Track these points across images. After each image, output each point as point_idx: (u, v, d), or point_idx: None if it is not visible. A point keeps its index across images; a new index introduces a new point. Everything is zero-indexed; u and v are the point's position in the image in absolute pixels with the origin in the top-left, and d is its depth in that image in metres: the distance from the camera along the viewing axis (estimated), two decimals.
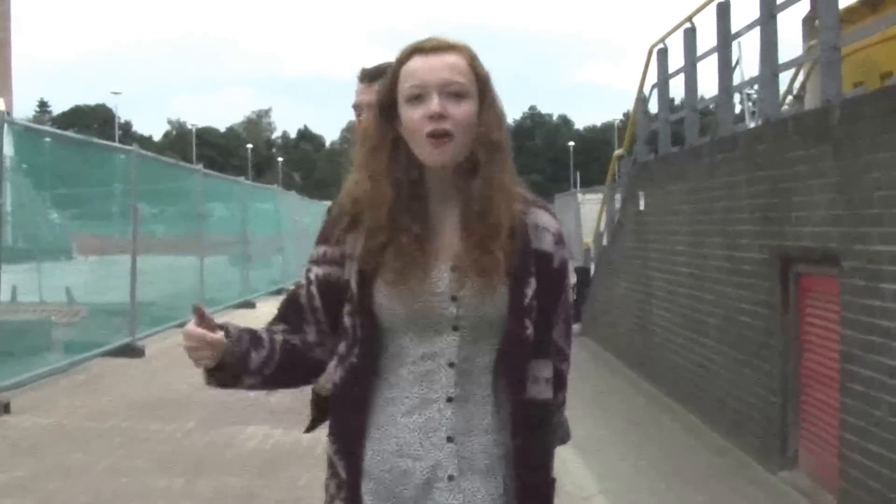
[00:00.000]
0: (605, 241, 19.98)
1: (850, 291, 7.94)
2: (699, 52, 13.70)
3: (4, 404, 11.82)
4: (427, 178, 3.05)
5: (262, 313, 26.28)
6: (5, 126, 12.89)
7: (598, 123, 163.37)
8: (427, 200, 3.07)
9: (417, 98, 2.97)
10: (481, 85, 3.03)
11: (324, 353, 3.18)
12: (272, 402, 12.20)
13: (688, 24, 13.91)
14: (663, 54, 15.74)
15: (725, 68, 12.25)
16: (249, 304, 27.15)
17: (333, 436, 3.11)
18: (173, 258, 22.66)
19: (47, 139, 16.51)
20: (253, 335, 3.08)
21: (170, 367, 15.81)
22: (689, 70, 14.04)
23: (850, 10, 9.80)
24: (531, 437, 3.04)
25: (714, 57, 12.64)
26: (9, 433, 10.86)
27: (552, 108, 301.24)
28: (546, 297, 3.08)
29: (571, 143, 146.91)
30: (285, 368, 3.12)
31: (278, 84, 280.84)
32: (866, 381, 7.61)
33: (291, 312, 3.18)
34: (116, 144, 20.73)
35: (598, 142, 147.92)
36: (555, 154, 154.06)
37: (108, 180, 18.28)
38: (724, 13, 12.23)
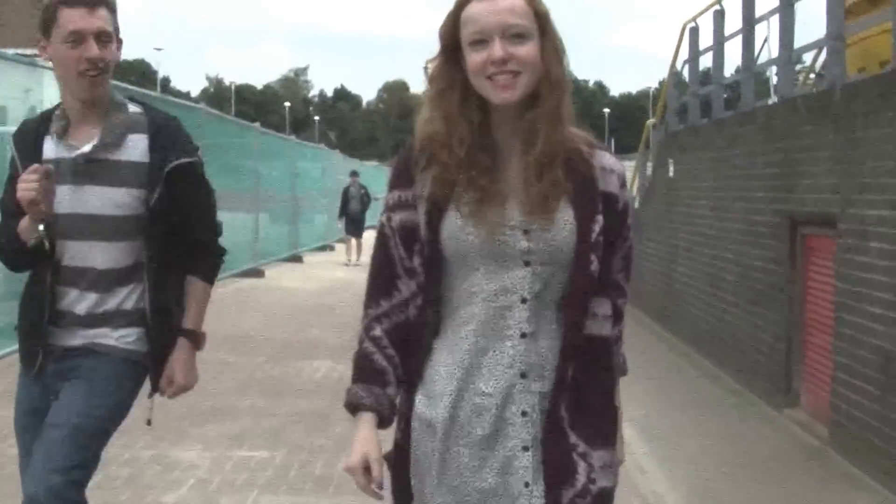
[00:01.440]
0: (636, 205, 21.16)
1: (843, 249, 9.22)
2: (727, 33, 14.94)
3: None
4: (493, 118, 3.11)
5: (309, 265, 27.62)
6: None
7: (634, 91, 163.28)
8: (495, 138, 3.12)
9: (480, 42, 3.02)
10: (541, 22, 3.07)
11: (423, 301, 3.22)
12: (332, 342, 13.59)
13: (717, 6, 15.13)
14: (695, 32, 16.95)
15: (748, 49, 13.50)
16: (297, 259, 28.46)
17: (404, 369, 3.17)
18: (230, 213, 23.90)
19: None
20: (376, 374, 3.14)
21: (234, 309, 17.30)
22: (717, 49, 15.28)
23: (854, 3, 11.02)
24: (590, 370, 3.11)
25: (741, 36, 13.90)
26: None
27: (588, 73, 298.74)
28: (611, 236, 3.15)
29: (607, 110, 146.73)
30: (407, 352, 3.18)
31: (317, 41, 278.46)
32: (854, 326, 8.90)
33: (383, 270, 3.21)
34: (186, 102, 22.02)
35: (633, 108, 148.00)
36: (591, 121, 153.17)
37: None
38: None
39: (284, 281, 23.17)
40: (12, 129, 11.76)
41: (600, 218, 3.08)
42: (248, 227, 24.51)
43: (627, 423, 8.98)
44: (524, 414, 3.03)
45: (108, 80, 4.34)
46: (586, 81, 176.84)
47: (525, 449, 3.03)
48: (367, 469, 3.01)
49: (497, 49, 2.98)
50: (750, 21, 13.49)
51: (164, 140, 4.41)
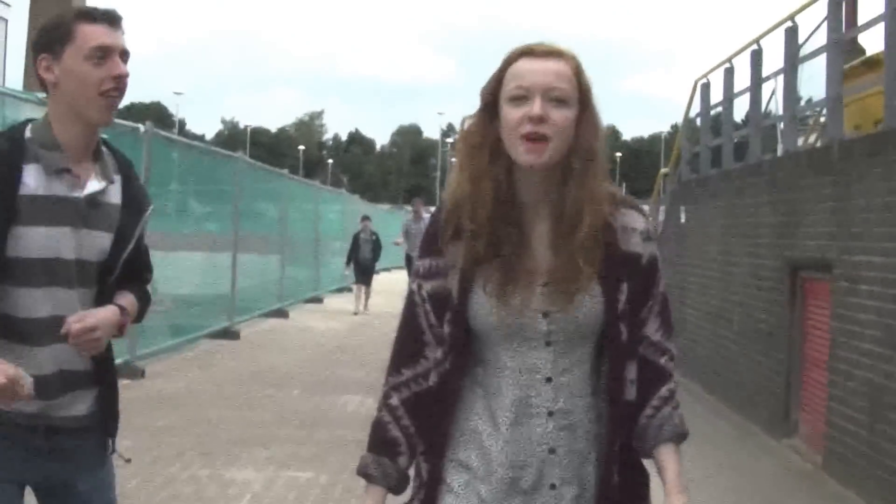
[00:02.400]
0: None
1: (837, 292, 10.13)
2: (736, 89, 15.89)
3: (141, 370, 14.10)
4: (519, 185, 3.10)
5: (330, 306, 28.42)
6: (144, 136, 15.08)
7: (646, 135, 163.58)
8: (521, 207, 3.11)
9: (520, 99, 3.01)
10: (583, 94, 3.07)
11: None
12: (358, 378, 14.49)
13: (727, 65, 16.09)
14: (706, 88, 17.92)
15: (755, 106, 14.46)
16: (318, 300, 29.30)
17: (423, 438, 3.18)
18: (260, 256, 24.74)
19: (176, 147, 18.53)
20: (388, 445, 3.17)
21: (264, 347, 18.26)
22: (727, 104, 16.24)
23: (852, 68, 11.96)
24: (622, 435, 3.10)
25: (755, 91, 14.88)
26: (149, 392, 13.06)
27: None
28: (637, 296, 3.14)
29: (619, 155, 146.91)
30: (423, 422, 3.19)
31: (332, 85, 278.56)
32: (846, 361, 9.79)
33: (411, 339, 3.21)
34: (227, 152, 23.00)
35: (645, 153, 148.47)
36: None
37: (218, 182, 20.79)
38: (756, 59, 14.43)
39: (308, 321, 23.94)
40: None
41: (625, 286, 3.10)
42: (274, 270, 25.42)
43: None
44: (553, 487, 3.06)
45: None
46: None
47: None
48: None
49: (536, 107, 2.98)
50: (757, 79, 14.47)
51: (136, 183, 4.07)
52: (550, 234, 3.09)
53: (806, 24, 12.88)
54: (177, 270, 18.19)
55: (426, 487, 3.16)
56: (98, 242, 3.83)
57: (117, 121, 15.81)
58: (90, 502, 3.97)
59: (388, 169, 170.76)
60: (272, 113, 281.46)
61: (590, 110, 3.09)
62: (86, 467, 3.92)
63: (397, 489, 3.17)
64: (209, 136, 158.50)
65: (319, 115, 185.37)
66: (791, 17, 12.82)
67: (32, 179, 3.73)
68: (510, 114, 3.02)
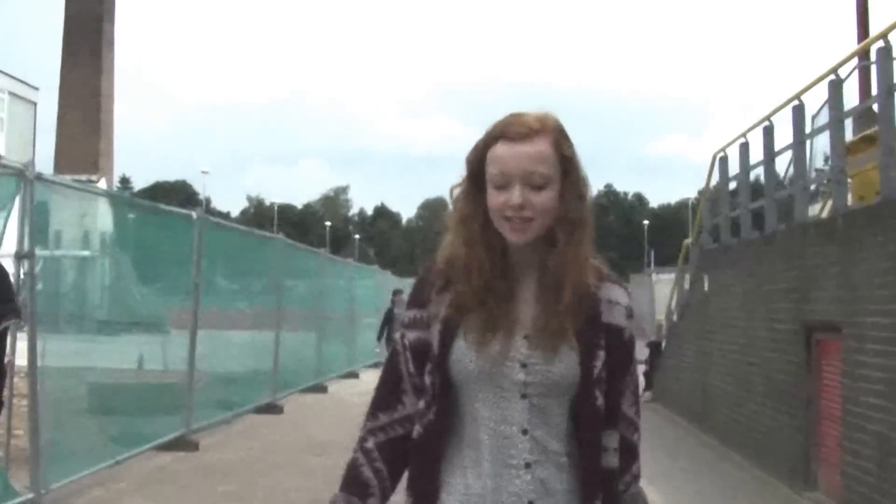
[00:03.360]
0: (675, 318, 22.91)
1: (847, 351, 10.95)
2: (752, 162, 16.79)
3: (195, 443, 14.99)
4: (510, 248, 3.18)
5: (365, 380, 29.26)
6: (196, 223, 16.01)
7: (673, 202, 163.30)
8: (510, 266, 3.19)
9: (500, 186, 3.08)
10: (565, 165, 3.12)
11: None
12: None
13: (742, 140, 17.01)
14: (724, 161, 18.83)
15: (769, 178, 15.38)
16: (353, 375, 30.07)
17: (410, 489, 3.23)
18: (301, 333, 25.55)
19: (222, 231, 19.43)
20: (360, 486, 3.24)
21: (306, 420, 19.11)
22: (743, 176, 17.16)
23: (854, 143, 12.85)
24: (598, 499, 3.14)
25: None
26: (206, 463, 13.93)
27: (627, 184, 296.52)
28: (616, 368, 3.19)
29: (646, 222, 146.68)
30: (396, 468, 3.26)
31: (356, 160, 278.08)
32: (856, 415, 10.60)
33: (390, 386, 3.29)
34: (267, 234, 24.03)
35: (672, 220, 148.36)
36: (630, 232, 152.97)
37: (259, 262, 21.67)
38: (769, 134, 15.35)
39: (345, 395, 24.72)
40: (68, 252, 13.23)
41: (602, 353, 3.13)
42: (311, 346, 26.19)
43: None
44: None
45: None
46: (626, 193, 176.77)
47: None
48: None
49: (516, 196, 3.06)
50: (770, 154, 15.38)
51: None
52: (536, 290, 3.17)
53: (816, 99, 13.83)
54: (225, 347, 19.08)
55: None
56: None
57: (170, 208, 16.84)
58: None
59: (415, 242, 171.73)
60: (296, 187, 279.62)
61: (572, 178, 3.15)
62: None
63: None
64: (234, 213, 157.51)
65: (345, 189, 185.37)
66: (797, 96, 13.77)
67: None
68: (493, 197, 3.11)
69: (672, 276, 23.86)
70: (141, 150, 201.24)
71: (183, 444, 14.73)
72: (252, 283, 22.16)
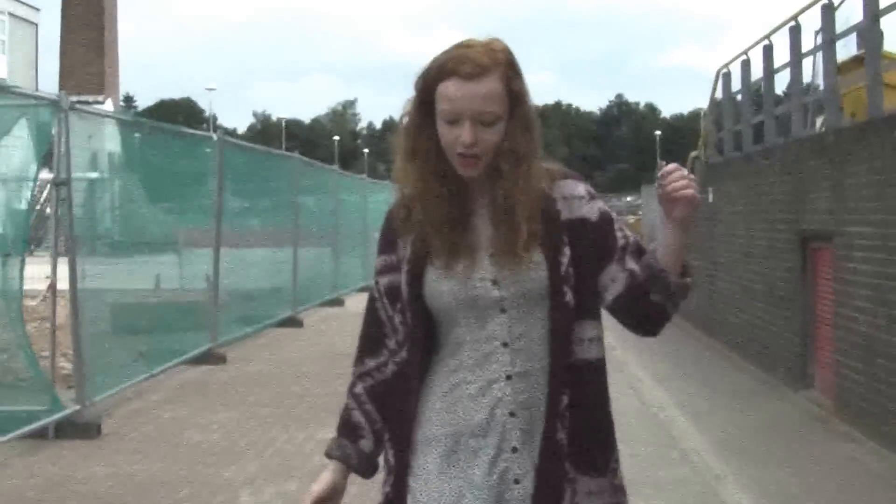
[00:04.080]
0: None
1: (837, 258, 11.68)
2: (752, 79, 17.44)
3: (223, 356, 15.83)
4: (462, 179, 3.19)
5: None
6: (216, 144, 16.70)
7: (685, 112, 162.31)
8: (465, 191, 3.20)
9: (451, 122, 3.09)
10: (513, 100, 3.13)
11: None
12: None
13: (744, 57, 17.64)
14: (727, 76, 19.47)
15: (769, 95, 16.03)
16: (366, 289, 30.73)
17: (387, 424, 3.31)
18: (311, 249, 25.88)
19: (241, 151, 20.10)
20: (351, 429, 3.33)
21: (326, 332, 19.92)
22: (745, 92, 17.84)
23: (845, 63, 13.46)
24: (582, 397, 3.17)
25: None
26: (235, 375, 14.79)
27: (639, 94, 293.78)
28: (590, 255, 3.20)
29: (658, 133, 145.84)
30: (386, 409, 3.32)
31: (363, 72, 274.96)
32: (846, 318, 11.35)
33: (373, 331, 3.36)
34: (284, 153, 24.74)
35: (685, 130, 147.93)
36: (641, 143, 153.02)
37: (276, 181, 22.36)
38: (768, 53, 15.99)
39: (361, 308, 25.17)
40: (95, 174, 13.69)
41: (567, 250, 3.16)
42: (328, 262, 26.93)
43: (675, 406, 11.45)
44: (514, 450, 3.12)
45: None
46: (637, 104, 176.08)
47: (516, 482, 3.13)
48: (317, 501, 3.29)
49: (467, 134, 3.07)
50: (769, 71, 16.00)
51: None
52: (490, 213, 3.19)
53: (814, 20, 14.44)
54: (246, 265, 19.79)
55: (394, 474, 3.25)
56: None
57: (192, 131, 17.49)
58: None
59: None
60: (303, 103, 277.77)
61: (520, 111, 3.16)
62: None
63: (359, 469, 3.34)
64: (241, 129, 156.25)
65: (352, 103, 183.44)
66: (795, 17, 14.39)
67: None
68: (444, 131, 3.12)
69: None
70: (145, 68, 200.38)
71: (211, 357, 15.55)
72: (269, 201, 22.74)
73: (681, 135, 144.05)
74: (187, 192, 17.18)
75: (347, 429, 3.35)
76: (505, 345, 3.15)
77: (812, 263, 13.13)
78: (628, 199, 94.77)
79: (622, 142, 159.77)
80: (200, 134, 17.20)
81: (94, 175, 13.14)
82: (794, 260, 13.53)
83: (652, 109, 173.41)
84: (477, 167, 3.12)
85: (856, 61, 12.97)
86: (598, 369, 3.24)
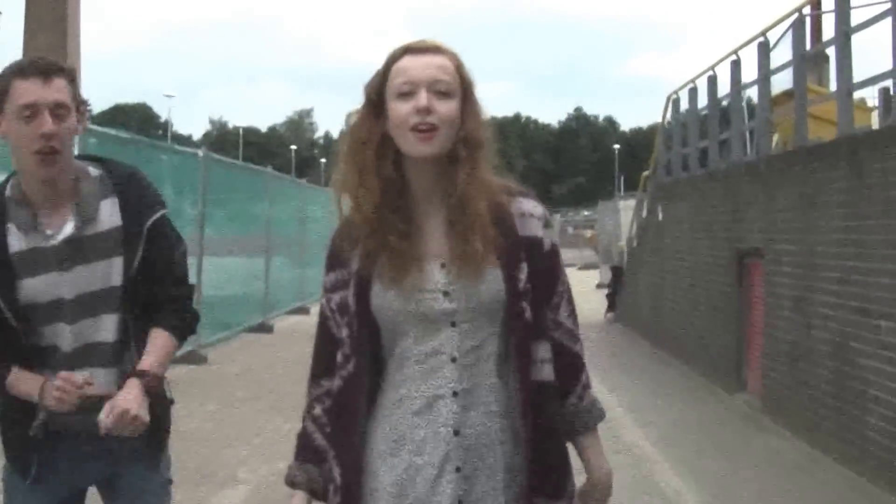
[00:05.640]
0: (634, 244, 24.98)
1: (767, 272, 13.04)
2: (699, 105, 18.81)
3: (204, 357, 17.03)
4: (410, 176, 3.15)
5: None
6: (201, 161, 17.87)
7: (644, 125, 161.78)
8: (411, 199, 3.16)
9: (406, 94, 3.07)
10: (465, 87, 3.14)
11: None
12: None
13: (692, 85, 19.05)
14: (676, 103, 20.97)
15: (713, 121, 17.46)
16: None
17: (332, 441, 3.21)
18: (280, 258, 26.76)
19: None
20: (313, 453, 3.24)
21: (294, 338, 20.79)
22: (692, 118, 19.23)
23: (777, 97, 14.78)
24: (539, 417, 3.13)
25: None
26: (218, 373, 16.04)
27: (598, 105, 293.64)
28: (541, 279, 3.19)
29: (617, 146, 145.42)
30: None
31: (319, 80, 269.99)
32: (773, 327, 12.69)
33: (326, 352, 3.27)
34: (253, 166, 25.77)
35: (643, 144, 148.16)
36: (600, 156, 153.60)
37: (248, 192, 23.40)
38: (713, 84, 17.42)
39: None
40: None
41: (525, 266, 3.14)
42: (294, 270, 27.83)
43: (620, 406, 12.73)
44: (458, 470, 3.07)
45: (65, 157, 3.88)
46: (596, 117, 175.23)
47: (461, 503, 3.08)
48: None
49: (422, 98, 3.05)
50: (714, 99, 17.40)
51: (135, 194, 4.02)
52: (444, 220, 3.15)
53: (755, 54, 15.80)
54: (222, 273, 20.83)
55: (342, 493, 3.18)
56: (99, 271, 3.92)
57: (178, 146, 18.62)
58: (143, 488, 4.18)
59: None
60: (260, 110, 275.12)
61: (473, 102, 3.17)
62: (133, 460, 4.10)
63: (324, 495, 3.22)
64: (196, 136, 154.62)
65: (309, 112, 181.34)
66: (735, 52, 15.79)
67: (14, 237, 3.90)
68: (398, 108, 3.09)
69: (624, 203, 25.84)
70: (98, 71, 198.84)
71: (194, 358, 16.64)
72: (243, 211, 23.74)
73: (639, 148, 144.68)
74: (171, 203, 18.24)
75: (310, 453, 3.27)
76: (453, 360, 3.12)
77: (747, 277, 14.45)
78: (585, 213, 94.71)
79: (580, 155, 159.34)
80: (188, 151, 18.29)
81: None
82: (732, 274, 14.88)
83: (611, 122, 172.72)
84: (432, 143, 3.09)
85: (786, 95, 14.28)
86: (552, 391, 3.23)
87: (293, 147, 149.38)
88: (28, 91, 3.77)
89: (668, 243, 19.93)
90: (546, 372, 3.20)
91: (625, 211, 34.77)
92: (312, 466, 3.24)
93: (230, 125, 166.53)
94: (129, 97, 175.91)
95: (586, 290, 31.49)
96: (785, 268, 12.33)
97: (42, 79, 3.79)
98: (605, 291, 27.38)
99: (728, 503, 9.30)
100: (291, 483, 3.26)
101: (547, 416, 3.18)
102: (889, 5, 10.10)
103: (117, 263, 3.94)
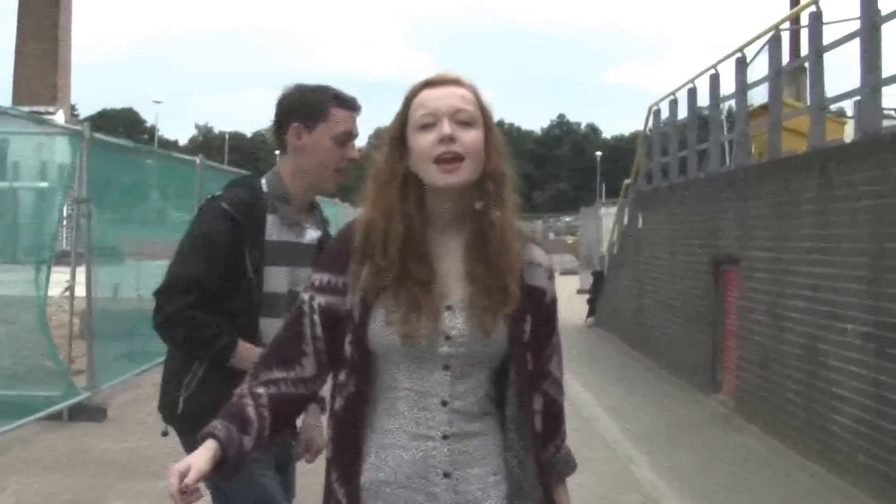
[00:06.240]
0: (615, 251, 25.52)
1: (742, 279, 13.62)
2: (679, 118, 19.40)
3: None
4: (430, 212, 3.11)
5: None
6: (197, 168, 18.39)
7: (626, 133, 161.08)
8: (429, 235, 3.11)
9: (429, 126, 3.03)
10: (486, 118, 3.10)
11: (317, 386, 3.19)
12: None
13: (672, 97, 19.64)
14: (657, 114, 21.54)
15: (691, 132, 18.04)
16: None
17: (334, 462, 3.15)
18: None
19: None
20: (241, 421, 3.03)
21: None
22: (672, 129, 19.82)
23: (754, 110, 15.37)
24: (531, 466, 3.15)
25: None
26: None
27: (581, 113, 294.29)
28: (540, 330, 3.18)
29: (599, 153, 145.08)
30: (279, 423, 3.13)
31: (304, 82, 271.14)
32: (747, 331, 13.26)
33: (289, 344, 3.15)
34: (245, 173, 26.31)
35: (625, 151, 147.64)
36: (582, 163, 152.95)
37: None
38: (692, 96, 18.02)
39: None
40: (26, 184, 15.13)
41: (529, 317, 3.11)
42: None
43: (600, 407, 13.29)
44: None
45: None
46: (578, 124, 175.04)
47: None
48: (182, 476, 2.89)
49: (446, 127, 3.00)
50: (694, 111, 18.00)
51: (321, 216, 4.73)
52: (464, 260, 3.10)
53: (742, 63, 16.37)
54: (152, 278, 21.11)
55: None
56: (303, 277, 4.32)
57: (178, 155, 19.16)
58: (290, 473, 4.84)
59: (367, 172, 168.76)
60: (245, 116, 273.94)
61: (494, 133, 3.12)
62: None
63: (232, 461, 3.01)
64: (182, 141, 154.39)
65: None
66: (714, 66, 16.38)
67: (272, 228, 4.45)
68: (421, 141, 3.04)
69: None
70: (85, 77, 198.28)
71: None
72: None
73: (621, 155, 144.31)
74: (171, 208, 18.98)
75: (236, 419, 3.06)
76: (444, 403, 3.07)
77: (722, 283, 15.03)
78: (567, 219, 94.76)
79: (563, 162, 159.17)
80: (184, 158, 18.85)
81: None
82: (708, 280, 15.46)
83: (593, 130, 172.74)
84: (457, 174, 3.03)
85: (762, 108, 14.84)
86: (538, 441, 3.21)
87: (277, 152, 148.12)
88: (347, 120, 4.52)
89: (648, 250, 20.50)
90: (538, 423, 3.20)
91: (606, 217, 34.85)
92: (236, 430, 3.02)
93: (216, 130, 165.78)
94: (117, 103, 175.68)
95: (567, 295, 31.92)
96: (759, 274, 12.91)
97: (354, 111, 4.58)
98: (587, 297, 27.80)
99: (702, 496, 9.80)
100: (208, 434, 3.01)
101: (535, 465, 3.18)
102: (858, 25, 10.66)
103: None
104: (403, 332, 3.01)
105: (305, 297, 3.17)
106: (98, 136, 12.93)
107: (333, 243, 3.28)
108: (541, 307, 3.18)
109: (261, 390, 3.09)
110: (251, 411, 3.05)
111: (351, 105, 4.54)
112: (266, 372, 3.12)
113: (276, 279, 4.44)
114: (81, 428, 11.80)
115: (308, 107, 4.49)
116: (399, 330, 3.01)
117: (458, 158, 3.02)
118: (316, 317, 3.13)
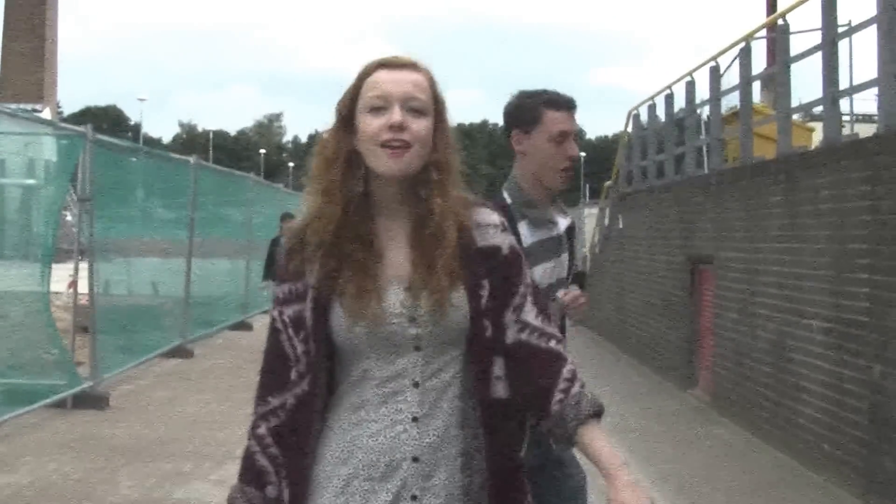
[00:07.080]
0: (597, 251, 26.11)
1: (716, 278, 14.22)
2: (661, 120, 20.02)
3: (191, 351, 18.11)
4: (375, 196, 3.06)
5: None
6: (193, 168, 18.97)
7: (610, 134, 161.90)
8: (374, 219, 3.07)
9: (379, 109, 2.98)
10: (438, 107, 3.06)
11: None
12: None
13: (650, 102, 20.26)
14: (637, 118, 22.16)
15: (669, 136, 18.64)
16: None
17: (282, 461, 3.08)
18: (258, 262, 28.01)
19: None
20: (255, 474, 3.08)
21: None
22: (650, 133, 20.44)
23: (727, 116, 16.01)
24: (493, 437, 3.04)
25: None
26: (204, 366, 17.14)
27: None
28: (501, 286, 3.09)
29: (583, 154, 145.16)
30: (290, 453, 3.08)
31: (288, 85, 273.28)
32: (721, 328, 13.87)
33: (277, 367, 3.10)
34: (237, 172, 26.83)
35: (609, 152, 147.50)
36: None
37: (231, 196, 24.64)
38: (669, 102, 18.61)
39: None
40: (10, 181, 15.61)
41: (486, 282, 3.05)
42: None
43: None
44: (414, 498, 2.99)
45: None
46: None
47: None
48: None
49: (396, 114, 2.95)
50: (671, 116, 18.61)
51: (562, 205, 5.02)
52: (409, 243, 3.06)
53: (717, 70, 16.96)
54: (206, 274, 21.93)
55: None
56: (564, 261, 4.79)
57: (174, 155, 19.66)
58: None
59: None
60: (229, 114, 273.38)
61: (444, 123, 3.09)
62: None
63: None
64: (166, 139, 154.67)
65: (278, 116, 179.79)
66: (689, 73, 17.00)
67: (526, 232, 4.66)
68: (369, 123, 2.99)
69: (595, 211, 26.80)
70: (69, 74, 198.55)
71: (181, 352, 17.75)
72: (227, 215, 24.86)
73: (604, 155, 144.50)
74: (166, 208, 19.52)
75: (251, 475, 3.10)
76: (416, 384, 3.01)
77: (698, 282, 15.65)
78: None
79: None
80: (179, 158, 19.40)
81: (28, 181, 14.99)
82: (685, 279, 16.08)
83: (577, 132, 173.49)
84: (402, 160, 2.98)
85: (735, 115, 15.45)
86: (509, 408, 3.10)
87: (262, 151, 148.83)
88: (561, 120, 4.72)
89: (628, 250, 21.13)
90: (499, 389, 3.07)
91: (589, 218, 35.16)
92: (255, 490, 3.07)
93: (199, 128, 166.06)
94: (101, 100, 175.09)
95: None
96: (732, 273, 13.51)
97: (569, 111, 4.77)
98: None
99: (677, 485, 10.36)
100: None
101: (501, 436, 3.08)
102: (819, 40, 11.29)
103: (566, 258, 4.82)
104: (352, 312, 2.97)
105: (275, 313, 3.14)
106: (101, 137, 13.50)
107: (284, 252, 3.17)
108: (498, 264, 3.11)
109: (262, 430, 3.09)
110: (261, 459, 3.09)
111: (564, 105, 4.74)
112: (262, 404, 3.10)
113: (544, 275, 4.61)
114: (85, 415, 12.37)
115: (523, 112, 4.76)
116: (349, 310, 2.98)
117: (405, 145, 2.98)
118: (290, 331, 3.08)
